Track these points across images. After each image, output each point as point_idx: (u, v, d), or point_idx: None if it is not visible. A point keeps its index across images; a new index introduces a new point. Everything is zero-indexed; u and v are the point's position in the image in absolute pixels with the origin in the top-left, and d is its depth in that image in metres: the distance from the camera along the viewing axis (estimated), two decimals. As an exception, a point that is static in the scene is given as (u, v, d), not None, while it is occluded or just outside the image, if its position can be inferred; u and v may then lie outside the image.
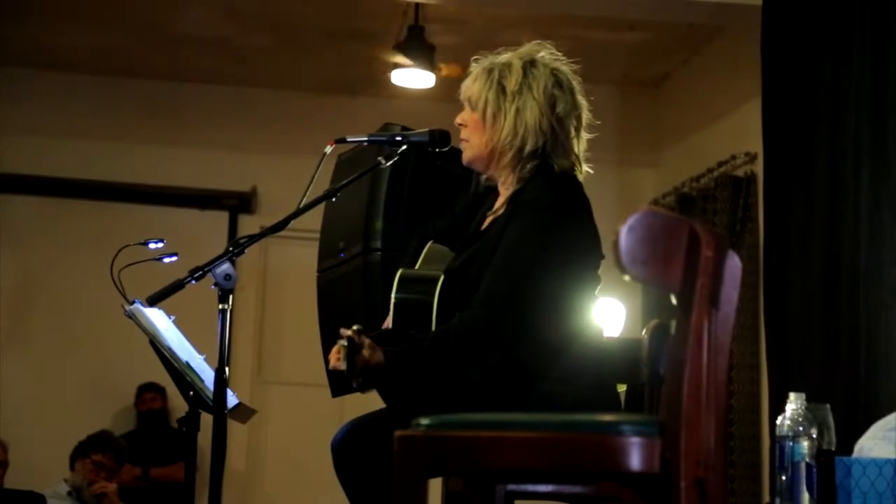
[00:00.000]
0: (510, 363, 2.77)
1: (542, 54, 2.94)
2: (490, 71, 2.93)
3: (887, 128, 4.61)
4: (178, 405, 7.46)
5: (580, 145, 2.95)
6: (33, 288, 7.91)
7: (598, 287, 2.93)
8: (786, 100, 5.33)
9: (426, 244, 3.09)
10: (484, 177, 3.05)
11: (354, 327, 2.63)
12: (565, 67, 2.95)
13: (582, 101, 2.96)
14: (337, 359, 2.76)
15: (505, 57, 2.94)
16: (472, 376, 2.77)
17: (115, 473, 5.95)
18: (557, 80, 2.92)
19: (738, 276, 1.99)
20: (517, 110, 2.88)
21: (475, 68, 2.97)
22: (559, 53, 2.97)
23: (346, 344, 2.59)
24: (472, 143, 2.96)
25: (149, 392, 7.51)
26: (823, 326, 4.88)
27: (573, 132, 2.93)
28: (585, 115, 2.96)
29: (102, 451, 5.94)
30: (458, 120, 2.99)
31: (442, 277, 2.90)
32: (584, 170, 2.97)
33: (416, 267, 3.03)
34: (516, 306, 2.74)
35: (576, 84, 2.95)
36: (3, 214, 7.89)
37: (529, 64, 2.91)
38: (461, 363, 2.75)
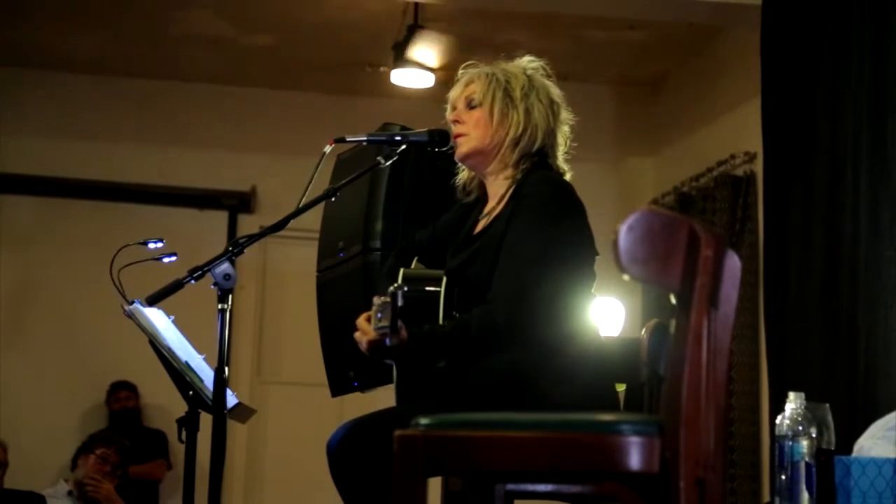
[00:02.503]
0: (515, 364, 2.78)
1: (532, 71, 3.01)
2: (491, 74, 2.97)
3: (887, 127, 4.61)
4: (150, 403, 7.50)
5: (559, 159, 3.01)
6: (33, 288, 7.91)
7: (594, 284, 2.94)
8: (785, 99, 5.33)
9: (410, 260, 3.11)
10: (464, 180, 3.06)
11: (395, 285, 2.66)
12: (551, 83, 3.02)
13: (567, 120, 3.03)
14: (367, 325, 2.79)
15: (500, 66, 3.00)
16: (479, 380, 2.78)
17: (118, 469, 5.95)
18: (554, 91, 3.00)
19: (737, 276, 1.99)
20: (527, 110, 2.94)
21: (467, 73, 3.00)
22: (548, 70, 3.03)
23: (388, 301, 2.61)
24: (471, 136, 2.96)
25: (123, 390, 7.51)
26: (823, 325, 4.88)
27: (562, 143, 3.00)
28: (567, 133, 3.02)
29: (106, 445, 5.95)
30: (452, 117, 2.99)
31: (445, 277, 2.92)
32: (577, 173, 3.02)
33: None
34: (528, 305, 2.77)
35: (564, 104, 3.03)
36: (2, 214, 7.89)
37: (530, 74, 2.99)
38: (477, 356, 2.78)
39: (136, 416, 7.53)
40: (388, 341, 2.65)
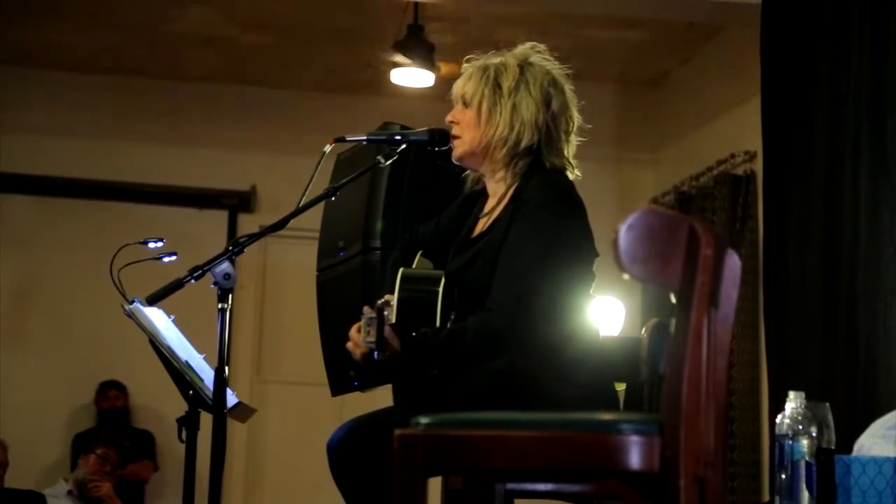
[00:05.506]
0: (514, 364, 2.78)
1: (535, 56, 2.97)
2: (485, 69, 2.95)
3: (886, 126, 4.61)
4: (139, 403, 7.49)
5: (570, 149, 2.97)
6: (32, 287, 7.91)
7: (594, 284, 2.94)
8: (785, 98, 5.33)
9: (414, 254, 3.10)
10: (470, 177, 3.06)
11: (381, 301, 2.66)
12: (558, 70, 2.98)
13: (573, 104, 2.98)
14: (358, 336, 2.79)
15: (499, 57, 2.97)
16: (478, 380, 2.78)
17: (118, 468, 5.95)
18: (553, 79, 2.96)
19: (737, 275, 1.99)
20: (514, 106, 2.91)
21: (468, 68, 2.99)
22: (551, 56, 3.00)
23: (374, 316, 2.60)
24: (464, 139, 2.97)
25: (112, 390, 7.49)
26: (823, 324, 4.88)
27: (565, 132, 2.96)
28: (576, 118, 2.98)
29: (106, 445, 5.95)
30: (448, 118, 3.00)
31: (444, 277, 2.91)
32: (577, 173, 2.98)
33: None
34: (525, 312, 2.77)
35: (568, 87, 2.99)
36: (2, 213, 7.89)
37: (525, 64, 2.95)
38: (474, 364, 2.78)
39: (124, 416, 7.50)
40: (375, 356, 2.66)
